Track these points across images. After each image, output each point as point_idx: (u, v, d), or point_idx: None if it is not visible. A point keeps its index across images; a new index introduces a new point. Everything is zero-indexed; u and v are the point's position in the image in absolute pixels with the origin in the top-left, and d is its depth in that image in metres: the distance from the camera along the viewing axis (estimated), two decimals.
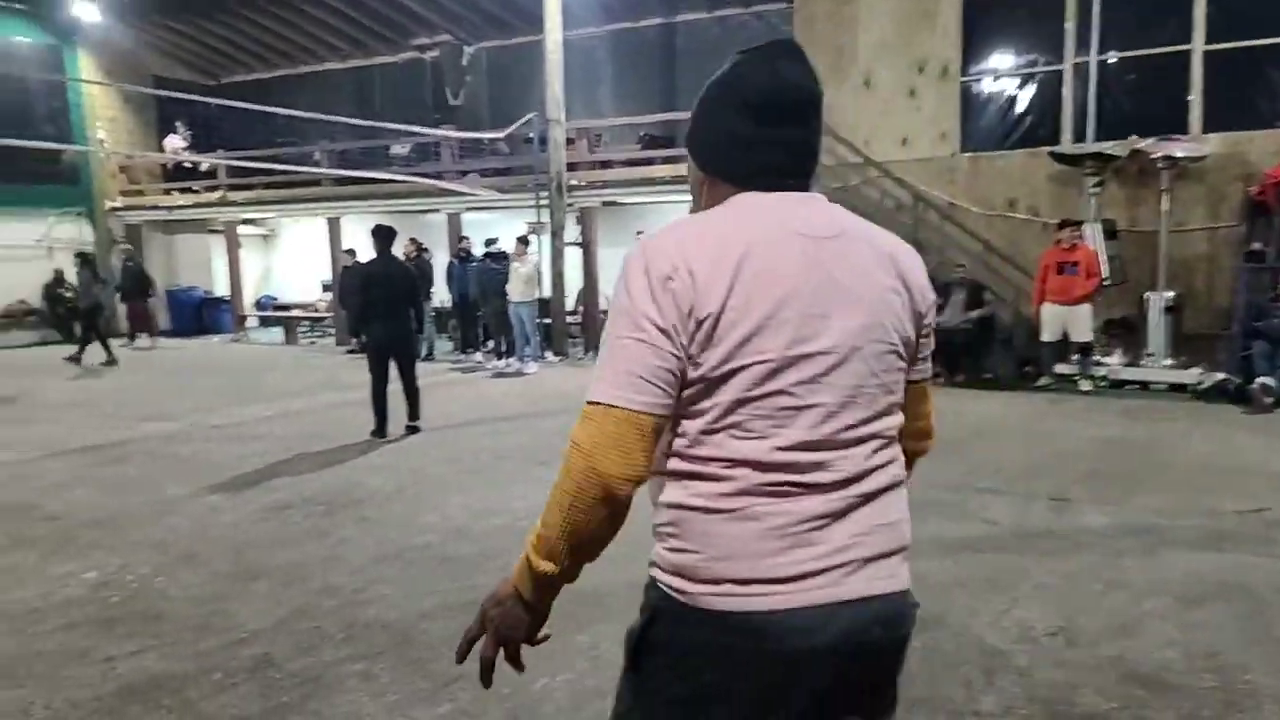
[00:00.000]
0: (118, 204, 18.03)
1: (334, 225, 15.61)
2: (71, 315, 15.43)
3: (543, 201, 12.72)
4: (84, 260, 13.54)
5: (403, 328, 7.41)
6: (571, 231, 13.06)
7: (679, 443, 1.26)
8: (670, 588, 1.25)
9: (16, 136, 15.75)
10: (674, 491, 1.27)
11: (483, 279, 12.57)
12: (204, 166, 17.34)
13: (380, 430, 7.31)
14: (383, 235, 7.40)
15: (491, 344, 12.91)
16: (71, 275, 16.69)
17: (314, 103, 18.50)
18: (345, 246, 14.81)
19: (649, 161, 12.97)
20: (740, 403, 1.22)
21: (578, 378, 11.27)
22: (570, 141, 13.00)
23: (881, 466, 1.30)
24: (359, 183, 15.02)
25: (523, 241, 11.37)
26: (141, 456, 6.86)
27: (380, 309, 7.31)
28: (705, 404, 1.23)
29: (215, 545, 4.61)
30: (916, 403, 1.42)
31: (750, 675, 1.22)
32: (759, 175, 1.32)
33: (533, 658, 1.37)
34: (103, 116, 17.98)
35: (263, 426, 7.96)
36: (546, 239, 12.63)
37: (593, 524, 1.21)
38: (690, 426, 1.24)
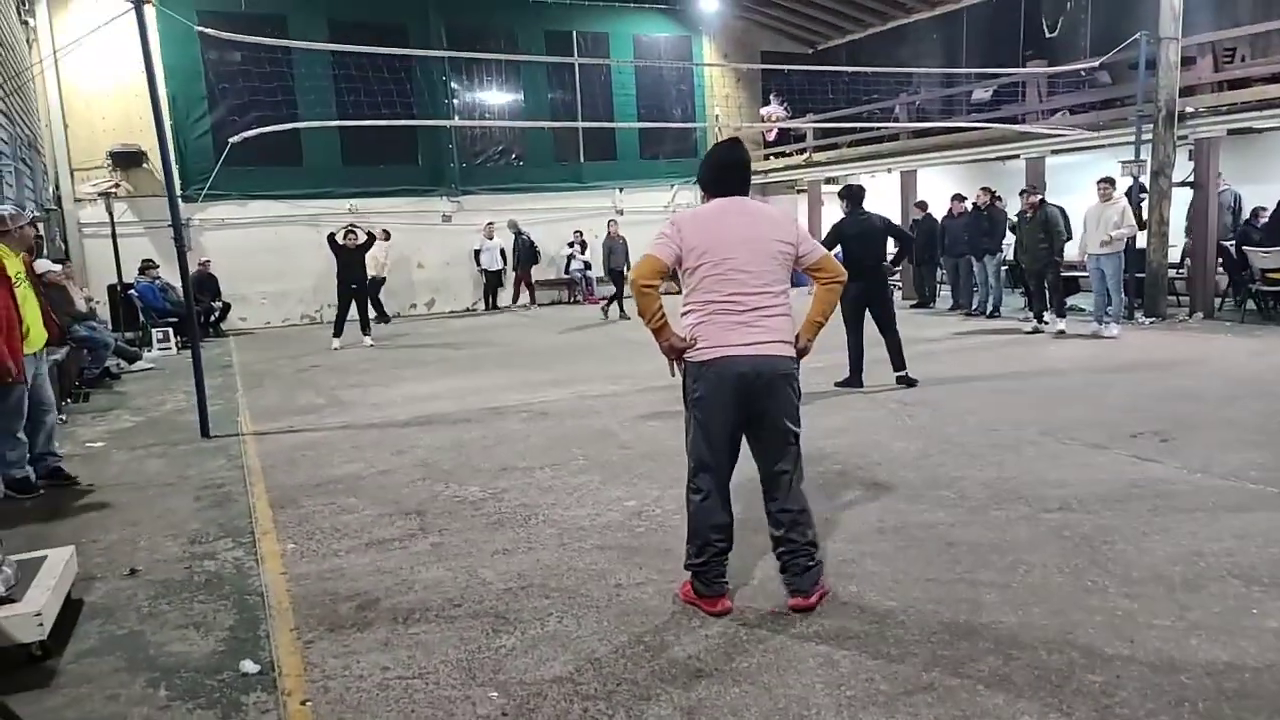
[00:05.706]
0: None
1: (908, 179, 15.45)
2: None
3: (1145, 136, 10.83)
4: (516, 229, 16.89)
5: (878, 279, 7.80)
6: (1181, 169, 10.90)
7: (686, 295, 3.37)
8: (691, 357, 3.34)
9: (658, 119, 18.92)
10: (687, 316, 3.36)
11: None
12: (795, 132, 18.57)
13: (853, 380, 7.72)
14: (853, 195, 8.04)
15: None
16: None
17: (903, 57, 18.46)
18: (918, 199, 14.56)
19: None
20: (703, 278, 3.29)
21: (1172, 344, 9.43)
22: (1188, 61, 10.78)
23: (769, 305, 3.29)
24: (936, 133, 14.60)
25: (1107, 183, 9.79)
26: None
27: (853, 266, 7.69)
28: (689, 280, 3.34)
29: (737, 491, 4.88)
30: (817, 269, 3.42)
31: (717, 384, 3.28)
32: (718, 192, 3.44)
33: None
34: (719, 95, 20.37)
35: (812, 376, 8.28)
36: (1146, 180, 10.76)
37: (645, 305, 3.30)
38: (688, 287, 3.35)
